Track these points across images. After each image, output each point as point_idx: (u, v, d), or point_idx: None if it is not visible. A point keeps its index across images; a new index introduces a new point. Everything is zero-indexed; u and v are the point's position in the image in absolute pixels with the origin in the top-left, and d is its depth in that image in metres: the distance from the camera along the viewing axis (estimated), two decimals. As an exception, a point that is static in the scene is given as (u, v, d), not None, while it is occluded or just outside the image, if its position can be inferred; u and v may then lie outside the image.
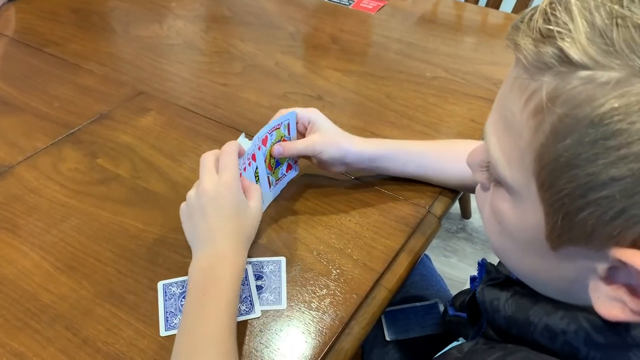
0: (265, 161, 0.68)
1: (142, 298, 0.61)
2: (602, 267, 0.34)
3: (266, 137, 0.66)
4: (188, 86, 0.97)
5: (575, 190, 0.32)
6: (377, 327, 0.85)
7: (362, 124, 0.87)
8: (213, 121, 0.88)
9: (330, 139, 0.69)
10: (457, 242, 1.78)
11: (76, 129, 0.86)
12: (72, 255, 0.66)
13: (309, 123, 0.70)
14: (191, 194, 0.61)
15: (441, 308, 0.85)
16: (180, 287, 0.62)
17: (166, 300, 0.61)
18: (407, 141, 0.75)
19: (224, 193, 0.59)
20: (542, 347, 0.40)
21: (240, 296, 0.60)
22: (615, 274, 0.34)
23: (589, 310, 0.36)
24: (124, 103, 0.92)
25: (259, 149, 0.66)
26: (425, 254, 1.00)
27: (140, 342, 0.57)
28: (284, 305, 0.60)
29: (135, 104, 0.92)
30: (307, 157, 0.72)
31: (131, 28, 1.15)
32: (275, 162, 0.70)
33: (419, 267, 0.93)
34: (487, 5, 1.45)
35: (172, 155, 0.81)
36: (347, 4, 1.24)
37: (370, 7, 1.23)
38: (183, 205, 0.63)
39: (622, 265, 0.32)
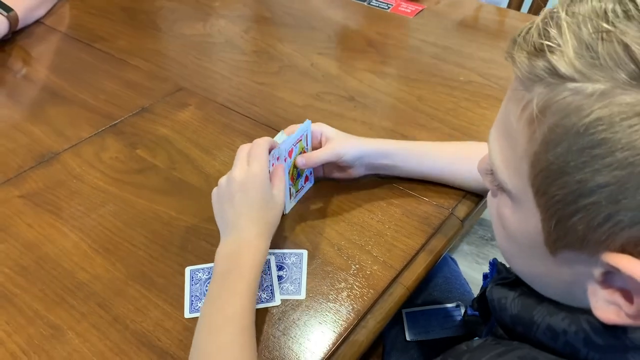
0: (289, 173, 0.70)
1: (171, 282, 0.64)
2: (598, 272, 0.35)
3: (292, 149, 0.69)
4: (227, 84, 1.01)
5: (567, 197, 0.34)
6: (398, 327, 0.86)
7: (391, 125, 0.89)
8: (248, 118, 0.91)
9: (347, 141, 0.73)
10: (490, 250, 1.77)
11: (118, 120, 0.90)
12: (108, 239, 0.70)
13: (321, 135, 0.74)
14: (222, 180, 0.65)
15: (462, 311, 0.85)
16: (207, 274, 0.65)
17: (192, 285, 0.64)
18: (423, 142, 0.78)
19: (252, 182, 0.62)
20: (545, 345, 0.42)
21: (262, 284, 0.63)
22: (611, 278, 0.35)
23: (590, 312, 0.37)
24: (165, 98, 0.96)
25: (284, 160, 0.69)
26: (451, 257, 1.01)
27: (166, 323, 0.60)
28: (303, 295, 0.62)
29: (175, 99, 0.96)
30: (334, 173, 0.76)
31: (176, 26, 1.20)
32: (297, 174, 0.73)
33: (444, 270, 0.94)
34: (529, 11, 1.44)
35: (207, 149, 0.84)
36: (386, 7, 1.26)
37: (409, 11, 1.24)
38: (215, 190, 0.66)
39: (615, 269, 0.34)
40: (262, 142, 0.65)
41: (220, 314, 0.56)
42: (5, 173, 0.80)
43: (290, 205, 0.74)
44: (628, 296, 0.34)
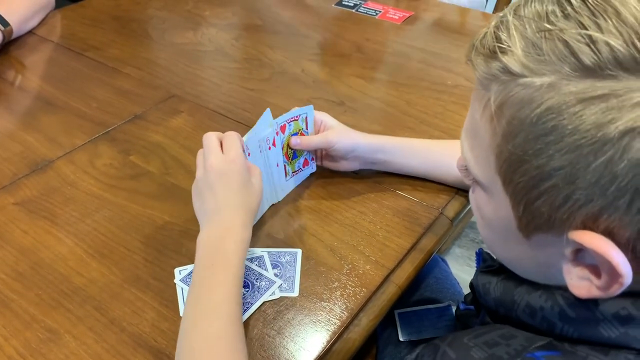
0: (282, 148, 0.72)
1: (166, 284, 0.65)
2: (568, 251, 0.38)
3: (284, 124, 0.71)
4: (218, 90, 1.02)
5: (529, 182, 0.37)
6: (391, 328, 0.87)
7: (381, 128, 0.90)
8: (240, 124, 0.92)
9: (342, 132, 0.76)
10: (480, 247, 1.79)
11: (112, 128, 0.91)
12: (103, 243, 0.70)
13: (321, 123, 0.77)
14: (199, 172, 0.65)
15: (454, 309, 0.86)
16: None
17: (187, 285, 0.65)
18: (416, 139, 0.81)
19: (230, 168, 0.62)
20: (525, 324, 0.44)
21: (257, 283, 0.64)
22: (582, 256, 0.38)
23: (565, 288, 0.40)
24: (157, 105, 0.97)
25: (276, 134, 0.70)
26: (442, 258, 1.02)
27: (162, 324, 0.61)
28: (296, 293, 0.64)
29: (167, 106, 0.97)
30: (325, 162, 0.78)
31: (167, 35, 1.21)
32: (292, 153, 0.74)
33: (434, 270, 0.95)
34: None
35: (199, 154, 0.85)
36: (375, 14, 1.28)
37: (397, 17, 1.26)
38: (193, 184, 0.66)
39: (581, 245, 0.36)
40: (234, 133, 0.66)
41: (205, 304, 0.56)
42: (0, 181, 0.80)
43: (286, 185, 0.76)
44: (597, 271, 0.37)
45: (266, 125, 0.70)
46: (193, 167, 0.82)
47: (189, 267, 0.67)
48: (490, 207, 0.44)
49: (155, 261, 0.68)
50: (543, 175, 0.36)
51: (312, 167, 0.79)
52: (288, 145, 0.73)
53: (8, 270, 0.67)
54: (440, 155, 0.77)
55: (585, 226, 0.36)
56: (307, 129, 0.75)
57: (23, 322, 0.61)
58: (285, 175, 0.75)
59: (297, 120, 0.73)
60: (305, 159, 0.77)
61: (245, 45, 1.18)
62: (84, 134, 0.90)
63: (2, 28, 1.09)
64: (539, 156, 0.35)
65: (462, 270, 1.71)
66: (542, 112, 0.34)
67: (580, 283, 0.38)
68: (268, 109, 0.70)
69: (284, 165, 0.74)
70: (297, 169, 0.77)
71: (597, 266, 0.37)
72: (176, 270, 0.67)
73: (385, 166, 0.78)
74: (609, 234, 0.35)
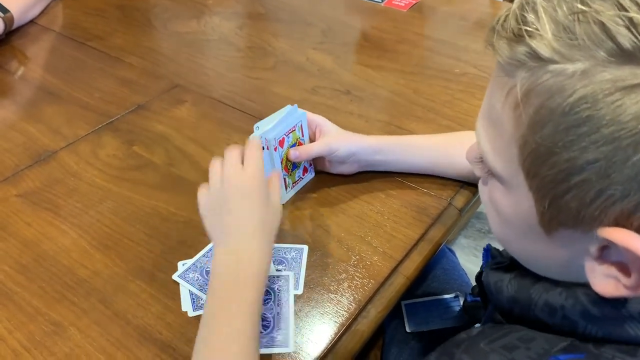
0: (281, 162, 0.70)
1: (171, 276, 0.64)
2: (594, 248, 0.36)
3: (283, 138, 0.69)
4: (222, 80, 1.01)
5: (557, 176, 0.35)
6: (398, 319, 0.87)
7: (388, 117, 0.89)
8: (244, 113, 0.91)
9: (341, 136, 0.73)
10: (488, 242, 1.77)
11: (115, 118, 0.90)
12: (107, 235, 0.70)
13: (316, 127, 0.74)
14: (215, 183, 0.59)
15: (461, 301, 0.86)
16: (193, 271, 0.65)
17: (190, 284, 0.64)
18: (415, 135, 0.79)
19: (250, 184, 0.57)
20: (543, 323, 0.42)
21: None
22: (608, 253, 0.36)
23: (586, 285, 0.38)
24: (161, 95, 0.96)
25: (275, 149, 0.68)
26: (450, 249, 1.01)
27: (168, 316, 0.60)
28: (300, 291, 0.63)
29: (171, 96, 0.96)
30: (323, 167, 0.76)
31: (170, 24, 1.20)
32: (292, 165, 0.73)
33: (442, 261, 0.94)
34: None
35: (204, 144, 0.84)
36: (380, 1, 1.26)
37: (402, 4, 1.24)
38: (203, 194, 0.60)
39: (611, 243, 0.34)
40: (257, 143, 0.60)
41: (222, 333, 0.51)
42: (2, 172, 0.79)
43: (286, 196, 0.74)
44: (625, 269, 0.35)
45: (287, 121, 0.69)
46: (197, 157, 0.81)
47: (189, 262, 0.66)
48: (508, 202, 0.42)
49: (160, 253, 0.67)
50: (574, 169, 0.33)
51: (311, 174, 0.77)
52: (287, 157, 0.71)
53: (11, 263, 0.66)
54: (442, 150, 0.75)
55: (617, 223, 0.34)
56: (303, 136, 0.73)
57: (27, 315, 0.61)
58: (286, 188, 0.73)
59: (294, 131, 0.71)
60: (304, 166, 0.75)
61: (249, 34, 1.17)
62: (87, 124, 0.89)
63: (2, 15, 1.08)
64: (569, 148, 0.33)
65: (468, 261, 1.70)
66: (575, 102, 0.32)
67: (606, 281, 0.36)
68: (304, 113, 0.70)
69: (284, 178, 0.72)
70: (297, 179, 0.75)
71: (625, 264, 0.35)
72: (179, 264, 0.66)
73: (385, 167, 0.76)
74: None
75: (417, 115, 0.90)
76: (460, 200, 0.74)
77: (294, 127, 0.70)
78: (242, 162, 0.59)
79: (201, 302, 0.62)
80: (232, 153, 0.59)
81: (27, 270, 0.65)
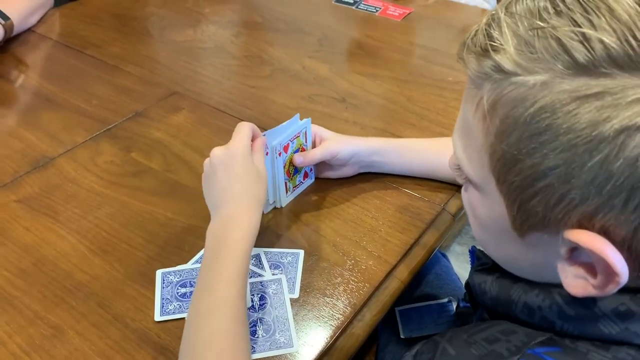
0: (284, 167, 0.72)
1: (169, 281, 0.65)
2: (563, 250, 0.38)
3: (288, 144, 0.71)
4: (219, 87, 1.02)
5: (523, 181, 0.37)
6: (392, 325, 0.87)
7: (382, 125, 0.90)
8: (241, 120, 0.92)
9: (340, 140, 0.76)
10: (473, 245, 1.79)
11: (113, 125, 0.91)
12: (105, 240, 0.70)
13: (315, 136, 0.77)
14: (207, 164, 0.64)
15: (454, 305, 0.87)
16: (177, 276, 0.65)
17: (163, 288, 0.64)
18: (410, 139, 0.81)
19: (231, 155, 0.62)
20: (524, 322, 0.44)
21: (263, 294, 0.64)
22: (577, 254, 0.38)
23: (561, 286, 0.39)
24: (158, 102, 0.97)
25: (279, 154, 0.70)
26: (443, 254, 1.03)
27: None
28: (296, 295, 0.63)
29: (168, 103, 0.97)
30: (325, 173, 0.79)
31: (167, 33, 1.21)
32: (294, 170, 0.74)
33: (435, 267, 0.95)
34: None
35: (201, 150, 0.85)
36: (374, 11, 1.28)
37: (397, 14, 1.26)
38: (203, 174, 0.66)
39: (576, 245, 0.36)
40: (247, 123, 0.66)
41: (209, 300, 0.54)
42: (1, 178, 0.80)
43: (286, 199, 0.75)
44: (592, 269, 0.37)
45: (292, 128, 0.71)
46: (194, 163, 0.82)
47: (173, 270, 0.66)
48: (484, 207, 0.44)
49: (158, 258, 0.68)
50: (537, 175, 0.35)
51: (311, 179, 0.79)
52: (290, 162, 0.73)
53: (11, 268, 0.67)
54: (437, 154, 0.77)
55: (580, 225, 0.35)
56: (306, 142, 0.75)
57: (26, 319, 0.61)
58: (287, 192, 0.74)
59: (298, 136, 0.73)
60: (305, 171, 0.77)
61: (245, 42, 1.18)
62: (85, 131, 0.90)
63: (3, 22, 1.09)
64: (533, 155, 0.35)
65: (462, 268, 1.71)
66: (536, 111, 0.34)
67: (576, 282, 0.38)
68: (308, 119, 0.72)
69: (285, 182, 0.73)
70: (297, 183, 0.76)
71: (593, 264, 0.36)
72: (158, 272, 0.66)
73: (382, 168, 0.79)
74: (604, 232, 0.35)
75: (411, 122, 0.91)
76: (453, 205, 0.75)
77: (298, 133, 0.72)
78: None
79: (169, 307, 0.62)
80: (242, 128, 0.65)
81: (26, 275, 0.66)
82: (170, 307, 0.62)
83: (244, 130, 0.64)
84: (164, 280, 0.65)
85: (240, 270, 0.56)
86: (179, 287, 0.64)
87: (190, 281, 0.65)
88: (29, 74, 1.08)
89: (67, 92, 1.00)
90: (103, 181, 0.80)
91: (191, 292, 0.62)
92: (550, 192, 0.35)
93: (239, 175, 0.61)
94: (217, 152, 0.63)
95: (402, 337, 0.86)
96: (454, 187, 0.77)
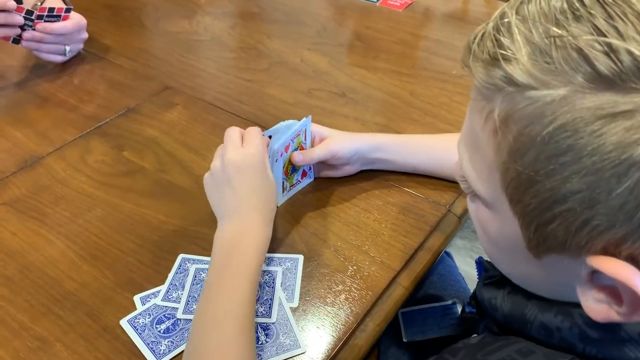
0: (283, 166, 0.69)
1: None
2: (584, 273, 0.35)
3: (289, 143, 0.68)
4: (214, 82, 0.98)
5: (541, 204, 0.33)
6: (394, 327, 0.85)
7: (384, 120, 0.87)
8: (238, 117, 0.89)
9: (341, 138, 0.73)
10: (480, 255, 1.76)
11: (104, 122, 0.88)
12: (95, 245, 0.67)
13: (314, 136, 0.74)
14: (216, 163, 0.62)
15: (459, 308, 0.84)
16: (148, 317, 0.59)
17: (141, 334, 0.58)
18: (413, 135, 0.78)
19: (250, 163, 0.60)
20: (541, 342, 0.41)
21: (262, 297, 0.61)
22: (599, 277, 0.34)
23: (581, 306, 0.36)
24: (151, 97, 0.93)
25: (280, 155, 0.67)
26: (446, 252, 1.00)
27: (158, 331, 0.58)
28: (295, 303, 0.60)
29: (162, 99, 0.93)
30: (326, 172, 0.76)
31: (161, 24, 1.17)
32: (292, 169, 0.71)
33: (438, 267, 0.92)
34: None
35: (196, 149, 0.82)
36: (375, 1, 1.24)
37: (398, 4, 1.22)
38: (207, 175, 0.64)
39: (602, 272, 0.33)
40: (256, 128, 0.64)
41: (218, 308, 0.53)
42: (-14, 179, 0.77)
43: (282, 199, 0.72)
44: (616, 294, 0.34)
45: (292, 129, 0.68)
46: (189, 163, 0.79)
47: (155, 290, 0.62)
48: (495, 223, 0.40)
49: (150, 264, 0.65)
50: (557, 198, 0.32)
51: (309, 178, 0.76)
52: (289, 161, 0.70)
53: (-5, 275, 0.64)
54: (442, 151, 0.74)
55: (606, 252, 0.32)
56: (305, 140, 0.72)
57: (11, 331, 0.58)
58: (283, 191, 0.71)
59: (298, 135, 0.70)
60: (304, 170, 0.74)
61: (242, 34, 1.14)
62: (75, 128, 0.86)
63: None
64: (552, 177, 0.32)
65: (465, 263, 1.67)
66: (555, 130, 0.31)
67: (598, 306, 0.35)
68: (309, 117, 0.69)
69: (282, 182, 0.70)
70: (295, 182, 0.73)
71: (616, 289, 0.33)
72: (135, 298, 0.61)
73: (385, 165, 0.75)
74: (632, 260, 0.32)
75: (414, 117, 0.88)
76: (459, 206, 0.72)
77: (298, 132, 0.69)
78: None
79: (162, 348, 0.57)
80: (233, 134, 0.63)
81: (11, 283, 0.63)
82: (162, 348, 0.56)
83: (257, 136, 0.62)
84: (135, 327, 0.58)
85: (253, 279, 0.55)
86: (156, 325, 0.58)
87: (163, 315, 0.59)
88: (15, 68, 1.04)
89: (56, 87, 0.96)
90: (93, 181, 0.76)
91: (174, 324, 0.58)
92: (571, 217, 0.32)
93: (259, 186, 0.60)
94: (232, 156, 0.60)
95: (404, 340, 0.83)
96: (460, 187, 0.74)
